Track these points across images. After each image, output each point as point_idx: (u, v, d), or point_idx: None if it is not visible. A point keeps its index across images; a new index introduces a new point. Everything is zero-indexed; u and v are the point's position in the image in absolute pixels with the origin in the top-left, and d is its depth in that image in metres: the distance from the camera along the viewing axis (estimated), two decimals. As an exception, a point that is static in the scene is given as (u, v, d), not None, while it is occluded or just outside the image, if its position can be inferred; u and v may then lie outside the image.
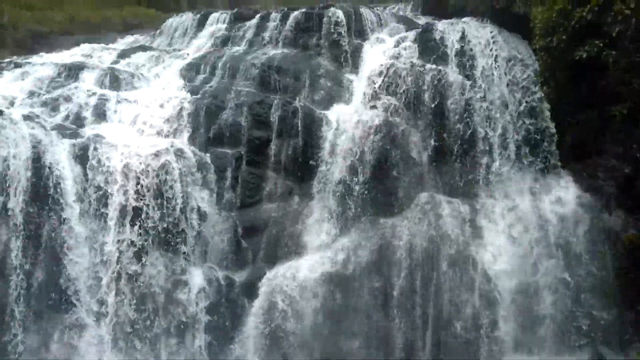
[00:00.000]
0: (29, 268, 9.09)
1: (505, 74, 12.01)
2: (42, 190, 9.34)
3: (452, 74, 11.79)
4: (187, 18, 16.19)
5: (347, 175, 10.80)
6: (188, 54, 13.94)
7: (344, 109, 11.60)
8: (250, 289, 10.04)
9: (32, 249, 9.15)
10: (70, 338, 9.11)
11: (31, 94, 11.31)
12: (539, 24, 11.19)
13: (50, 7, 19.40)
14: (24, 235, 9.12)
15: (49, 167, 9.44)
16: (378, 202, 10.80)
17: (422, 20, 15.50)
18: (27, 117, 10.19)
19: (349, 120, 11.20)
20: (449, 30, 12.52)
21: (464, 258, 10.40)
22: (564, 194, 11.17)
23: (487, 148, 11.46)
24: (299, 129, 11.12)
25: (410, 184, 11.00)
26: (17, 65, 12.27)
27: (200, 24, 15.55)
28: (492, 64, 12.00)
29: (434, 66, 11.94)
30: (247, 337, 9.89)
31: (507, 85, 11.91)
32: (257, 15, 14.60)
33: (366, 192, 10.77)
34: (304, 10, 14.01)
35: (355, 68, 12.78)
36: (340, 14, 13.51)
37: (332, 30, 13.21)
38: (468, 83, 11.66)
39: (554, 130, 11.56)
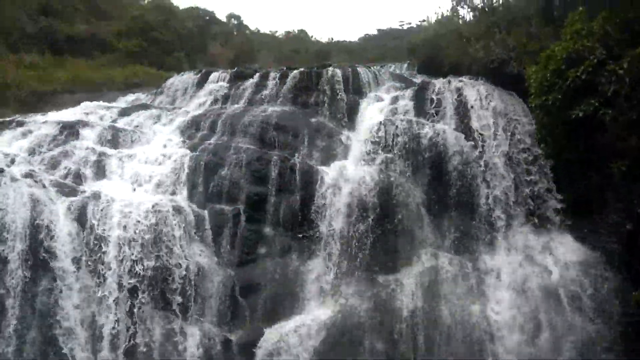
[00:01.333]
0: (24, 328, 9.12)
1: (503, 131, 12.57)
2: (39, 248, 9.53)
3: (449, 130, 12.34)
4: (188, 77, 17.09)
5: (346, 231, 11.02)
6: (188, 112, 14.60)
7: (342, 165, 12.01)
8: (248, 349, 9.97)
9: (28, 309, 9.22)
10: None
11: (32, 151, 11.77)
12: (534, 83, 11.69)
13: (53, 67, 20.43)
14: (20, 294, 9.23)
15: (47, 226, 9.69)
16: (378, 258, 10.95)
17: (418, 79, 16.32)
18: (26, 175, 10.58)
19: (347, 177, 11.59)
20: (445, 88, 13.24)
21: (467, 317, 10.41)
22: (568, 252, 11.31)
23: (488, 205, 11.77)
24: (297, 185, 11.49)
25: (410, 241, 11.20)
26: (20, 124, 12.85)
27: (201, 83, 16.41)
28: (489, 121, 12.59)
29: (430, 123, 12.54)
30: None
31: (505, 142, 12.44)
32: (257, 74, 15.46)
33: (365, 249, 10.93)
34: (302, 69, 14.91)
35: (352, 125, 13.39)
36: (338, 72, 14.31)
37: (330, 88, 13.96)
38: (465, 140, 12.19)
39: (554, 187, 11.93)
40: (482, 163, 12.02)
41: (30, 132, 12.39)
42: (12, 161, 11.26)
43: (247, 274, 10.71)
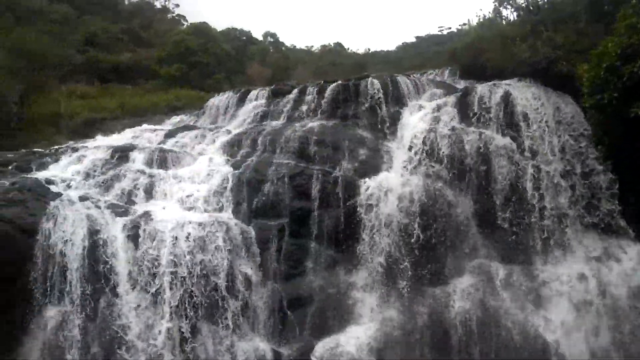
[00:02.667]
0: (86, 343, 9.79)
1: (555, 134, 12.39)
2: (98, 266, 10.25)
3: (497, 136, 12.29)
4: (227, 97, 17.89)
5: (392, 244, 11.17)
6: (230, 131, 15.26)
7: (385, 177, 12.17)
8: None
9: (89, 324, 9.91)
10: None
11: (87, 175, 12.62)
12: (586, 82, 11.53)
13: (101, 96, 21.93)
14: (80, 308, 9.97)
15: (103, 244, 10.44)
16: (426, 271, 11.02)
17: (461, 85, 16.29)
18: (83, 198, 11.41)
19: (391, 188, 11.74)
20: (490, 93, 13.18)
21: (524, 329, 10.26)
22: (630, 258, 10.99)
23: (541, 212, 11.61)
24: (340, 198, 11.78)
25: (458, 251, 11.23)
26: (74, 150, 13.85)
27: (241, 101, 17.12)
28: (539, 124, 12.44)
29: (476, 129, 12.51)
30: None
31: (557, 145, 12.26)
32: (295, 90, 15.94)
33: (413, 261, 11.04)
34: (340, 82, 15.22)
35: (394, 136, 13.55)
36: (377, 83, 14.53)
37: (370, 99, 14.19)
38: (514, 145, 12.09)
39: (615, 191, 11.59)
40: (533, 169, 11.89)
41: (84, 157, 13.31)
42: (69, 185, 12.15)
43: (294, 288, 11.04)
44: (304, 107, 15.00)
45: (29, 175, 12.32)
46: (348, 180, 12.06)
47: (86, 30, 30.22)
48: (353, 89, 14.60)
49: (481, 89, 13.44)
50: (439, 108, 13.59)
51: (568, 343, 10.11)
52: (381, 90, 14.30)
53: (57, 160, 13.34)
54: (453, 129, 12.58)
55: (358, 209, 11.62)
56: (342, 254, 11.39)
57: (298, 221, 11.66)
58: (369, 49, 48.86)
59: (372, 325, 10.41)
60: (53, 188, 11.79)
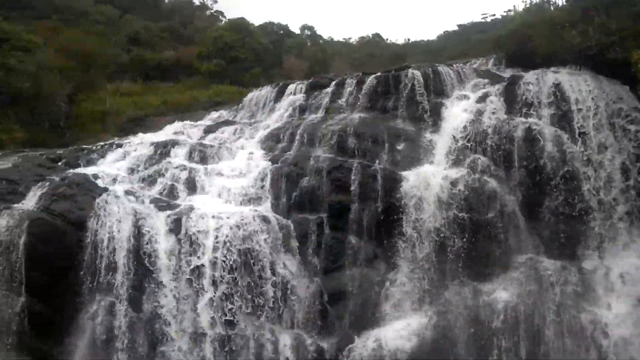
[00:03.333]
0: (132, 333, 10.25)
1: (608, 123, 11.90)
2: (142, 258, 10.67)
3: (546, 126, 11.91)
4: (265, 91, 18.09)
5: (434, 238, 11.05)
6: (268, 125, 15.45)
7: (427, 169, 12.04)
8: (339, 355, 10.35)
9: (134, 314, 10.38)
10: None
11: (131, 170, 13.12)
12: (642, 68, 11.09)
13: (145, 93, 22.74)
14: (126, 300, 10.44)
15: (147, 237, 10.85)
16: (470, 265, 10.83)
17: (506, 73, 15.83)
18: (128, 193, 11.85)
19: (433, 181, 11.59)
20: (538, 81, 12.78)
21: (576, 327, 9.94)
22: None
23: (593, 205, 11.21)
24: (380, 192, 11.71)
25: (505, 246, 10.97)
26: (119, 146, 14.37)
27: (279, 96, 17.26)
28: (592, 113, 11.98)
29: (523, 119, 12.18)
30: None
31: (611, 135, 11.77)
32: (333, 83, 15.94)
33: (457, 256, 10.87)
34: (379, 73, 15.10)
35: (436, 127, 13.33)
36: (417, 74, 14.33)
37: (410, 91, 14.00)
38: (564, 136, 11.70)
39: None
40: (585, 160, 11.48)
41: (129, 153, 13.84)
42: (115, 180, 12.65)
43: (333, 282, 11.10)
44: (342, 100, 14.98)
45: (77, 171, 12.89)
46: (388, 174, 11.99)
47: (129, 30, 31.33)
48: (393, 81, 14.47)
49: (529, 77, 13.07)
50: (483, 98, 13.29)
51: (624, 342, 9.70)
52: (422, 81, 14.10)
53: (103, 156, 13.90)
54: (499, 119, 12.29)
55: (398, 203, 11.54)
56: (382, 248, 11.36)
57: (337, 215, 11.69)
58: (409, 39, 48.27)
59: (412, 321, 10.38)
60: (100, 183, 12.30)
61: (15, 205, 11.48)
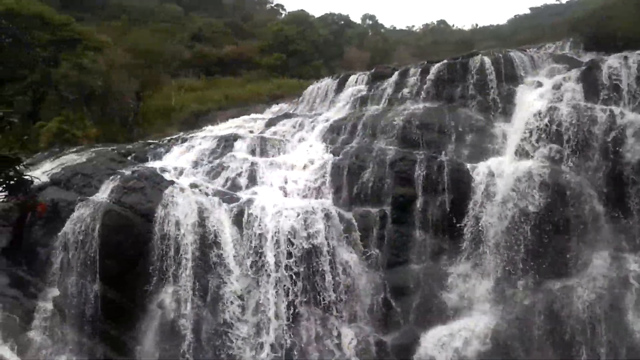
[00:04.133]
0: (198, 321, 10.71)
1: (702, 110, 11.04)
2: (207, 249, 11.13)
3: (629, 114, 11.21)
4: (326, 83, 18.27)
5: (505, 233, 10.69)
6: (329, 117, 15.58)
7: (497, 161, 11.71)
8: (403, 352, 10.30)
9: (200, 303, 10.83)
10: None
11: (195, 164, 13.73)
12: None
13: (208, 88, 23.63)
14: (192, 289, 10.91)
15: (212, 229, 11.29)
16: (544, 262, 10.39)
17: (585, 58, 15.10)
18: (192, 185, 12.38)
19: (504, 173, 11.24)
20: (621, 65, 12.06)
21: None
22: None
23: (682, 198, 10.42)
24: (446, 184, 11.49)
25: (583, 242, 10.42)
26: (183, 140, 15.11)
27: (340, 87, 17.37)
28: (683, 99, 11.16)
29: (603, 106, 11.53)
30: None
31: None
32: (396, 72, 15.82)
33: (529, 251, 10.47)
34: (445, 61, 14.80)
35: (507, 116, 12.92)
36: (487, 60, 13.93)
37: (479, 78, 13.65)
38: (652, 124, 10.95)
39: None
40: (673, 151, 10.69)
41: (193, 147, 14.48)
42: (180, 173, 13.29)
43: (397, 277, 11.05)
44: (406, 90, 14.84)
45: (146, 165, 13.67)
46: (455, 165, 11.76)
47: (193, 27, 32.55)
48: (460, 68, 14.15)
49: (611, 61, 12.34)
50: (560, 84, 12.73)
51: None
52: (492, 68, 13.74)
53: (169, 151, 14.64)
54: (577, 106, 11.69)
55: (466, 196, 11.30)
56: (449, 243, 11.18)
57: (401, 208, 11.60)
58: (476, 25, 46.85)
59: (480, 319, 10.13)
60: (166, 176, 12.95)
61: (90, 197, 12.37)
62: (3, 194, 5.23)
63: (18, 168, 5.13)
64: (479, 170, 11.50)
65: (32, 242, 12.74)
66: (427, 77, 14.47)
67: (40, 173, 13.47)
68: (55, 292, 12.04)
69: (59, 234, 11.89)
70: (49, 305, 12.01)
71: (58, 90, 18.41)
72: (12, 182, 5.13)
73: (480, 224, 11.00)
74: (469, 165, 11.73)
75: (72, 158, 14.63)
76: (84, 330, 11.54)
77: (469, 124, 12.80)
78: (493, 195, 11.07)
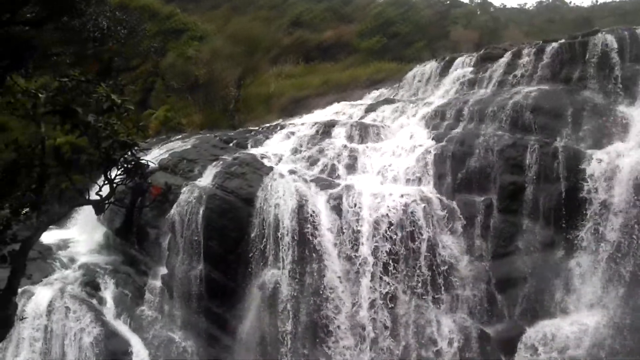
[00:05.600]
0: (296, 304, 11.61)
1: None
2: (305, 234, 11.93)
3: None
4: (429, 66, 18.33)
5: (624, 226, 10.43)
6: (432, 102, 15.74)
7: (619, 148, 11.35)
8: (507, 345, 10.48)
9: (298, 287, 11.71)
10: None
11: (294, 150, 14.64)
12: None
13: (307, 74, 24.60)
14: (290, 272, 11.83)
15: (310, 215, 12.09)
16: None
17: None
18: (291, 172, 13.30)
19: (626, 162, 10.91)
20: None
21: None
22: None
23: None
24: (560, 172, 11.38)
25: None
26: (283, 127, 16.13)
27: (444, 71, 17.39)
28: None
29: None
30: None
31: None
32: (507, 53, 15.57)
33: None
34: (563, 40, 14.37)
35: (631, 99, 12.38)
36: (610, 38, 13.33)
37: (601, 58, 13.16)
38: None
39: None
40: None
41: (292, 133, 15.42)
42: (280, 160, 14.29)
43: (503, 268, 11.19)
44: (518, 72, 14.62)
45: (246, 151, 14.82)
46: (571, 152, 11.58)
47: (292, 13, 33.80)
48: (579, 48, 13.68)
49: None
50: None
51: None
52: (616, 47, 13.11)
53: (269, 137, 15.70)
54: None
55: (582, 185, 11.10)
56: (561, 235, 11.07)
57: (509, 197, 11.65)
58: (596, 1, 43.69)
59: (592, 316, 10.04)
60: (266, 162, 14.00)
61: (195, 182, 13.74)
62: (121, 177, 5.88)
63: (135, 152, 5.68)
64: (598, 158, 11.24)
65: (143, 224, 14.36)
66: (542, 58, 14.14)
67: (150, 159, 15.09)
68: (163, 270, 13.57)
69: (167, 216, 13.35)
70: (158, 283, 13.57)
71: (164, 79, 20.31)
72: (129, 166, 5.73)
73: (597, 216, 10.82)
74: (586, 152, 11.50)
75: (178, 144, 16.13)
76: (190, 307, 12.95)
77: (587, 107, 12.45)
78: (613, 186, 10.81)
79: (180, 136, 17.29)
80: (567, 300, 10.55)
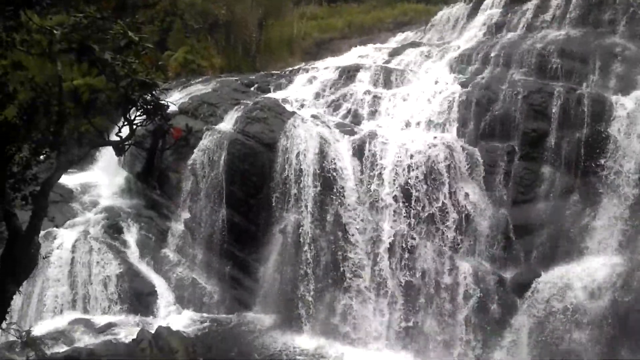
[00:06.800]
0: (316, 248, 12.24)
1: None
2: (327, 180, 12.46)
3: None
4: (458, 8, 18.19)
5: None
6: (459, 46, 15.80)
7: (645, 93, 11.59)
8: (522, 289, 11.00)
9: (319, 231, 12.30)
10: (351, 311, 11.78)
11: (317, 95, 14.95)
12: None
13: (331, 16, 24.19)
14: (312, 217, 12.37)
15: (332, 160, 12.54)
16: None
17: None
18: (314, 117, 13.70)
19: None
20: None
21: None
22: None
23: None
24: (585, 119, 11.55)
25: None
26: (305, 71, 16.39)
27: (472, 13, 17.30)
28: None
29: None
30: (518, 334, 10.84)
31: None
32: (537, -6, 15.28)
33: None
34: (593, -18, 14.03)
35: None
36: (642, -19, 13.04)
37: (632, 1, 13.03)
38: None
39: None
40: None
41: (315, 78, 15.63)
42: (302, 105, 14.64)
43: (521, 214, 11.60)
44: (548, 15, 14.53)
45: (268, 96, 15.11)
46: (596, 98, 11.72)
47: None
48: (610, -10, 13.47)
49: None
50: None
51: None
52: (651, -13, 12.87)
53: (291, 81, 16.01)
54: None
55: (606, 132, 11.30)
56: (581, 182, 11.39)
57: (531, 144, 11.93)
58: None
59: (608, 263, 10.40)
60: (288, 107, 14.44)
61: (216, 126, 14.01)
62: (140, 118, 5.87)
63: (155, 93, 5.63)
64: (625, 105, 11.40)
65: (164, 168, 14.96)
66: (573, 0, 13.96)
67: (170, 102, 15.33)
68: (186, 214, 14.30)
69: (188, 161, 13.88)
70: (181, 227, 14.24)
71: (183, 19, 20.16)
72: (149, 107, 5.69)
73: (620, 164, 11.07)
74: (612, 99, 11.64)
75: (198, 88, 16.41)
76: (212, 250, 13.69)
77: (617, 52, 12.52)
78: (637, 132, 11.00)
79: (200, 79, 17.61)
80: (584, 246, 10.95)
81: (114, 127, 6.22)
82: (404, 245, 11.61)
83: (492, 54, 13.97)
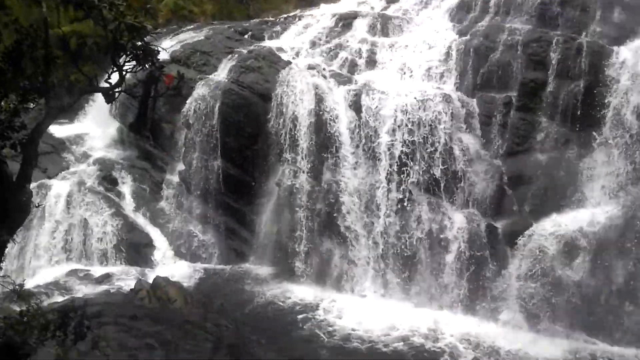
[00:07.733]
0: (312, 199, 12.45)
1: None
2: (323, 131, 12.57)
3: None
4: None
5: (641, 125, 11.15)
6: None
7: (644, 42, 11.81)
8: (513, 238, 11.31)
9: (314, 182, 12.48)
10: (346, 262, 12.12)
11: (313, 44, 14.90)
12: None
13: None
14: (308, 169, 12.55)
15: (328, 111, 12.65)
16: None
17: None
18: (310, 67, 13.69)
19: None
20: None
21: None
22: None
23: None
24: (583, 69, 11.64)
25: None
26: (300, 19, 16.20)
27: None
28: None
29: None
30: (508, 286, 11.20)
31: None
32: None
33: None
34: None
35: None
36: None
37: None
38: None
39: None
40: None
41: (310, 25, 15.57)
42: (297, 54, 14.65)
43: (516, 165, 11.87)
44: (553, -41, 14.16)
45: (262, 44, 14.94)
46: (595, 47, 11.81)
47: None
48: None
49: None
50: None
51: None
52: None
53: (286, 29, 15.89)
54: None
55: (604, 82, 11.39)
56: (577, 133, 11.56)
57: (529, 94, 12.05)
58: None
59: (601, 211, 10.66)
60: (283, 56, 14.49)
61: (209, 76, 13.86)
62: (130, 64, 5.71)
63: (145, 38, 5.45)
64: (623, 54, 11.49)
65: (157, 119, 15.00)
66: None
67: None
68: (180, 166, 14.49)
69: (181, 111, 13.94)
70: (175, 178, 14.41)
71: (173, -39, 19.52)
72: (139, 52, 5.50)
73: (617, 114, 11.22)
74: (611, 48, 11.70)
75: (190, 35, 16.28)
76: (208, 202, 13.93)
77: (617, 1, 12.49)
78: (634, 83, 11.07)
79: (192, 26, 17.52)
80: (578, 196, 11.22)
81: (104, 75, 6.13)
82: (399, 196, 11.82)
83: (492, 1, 13.90)
